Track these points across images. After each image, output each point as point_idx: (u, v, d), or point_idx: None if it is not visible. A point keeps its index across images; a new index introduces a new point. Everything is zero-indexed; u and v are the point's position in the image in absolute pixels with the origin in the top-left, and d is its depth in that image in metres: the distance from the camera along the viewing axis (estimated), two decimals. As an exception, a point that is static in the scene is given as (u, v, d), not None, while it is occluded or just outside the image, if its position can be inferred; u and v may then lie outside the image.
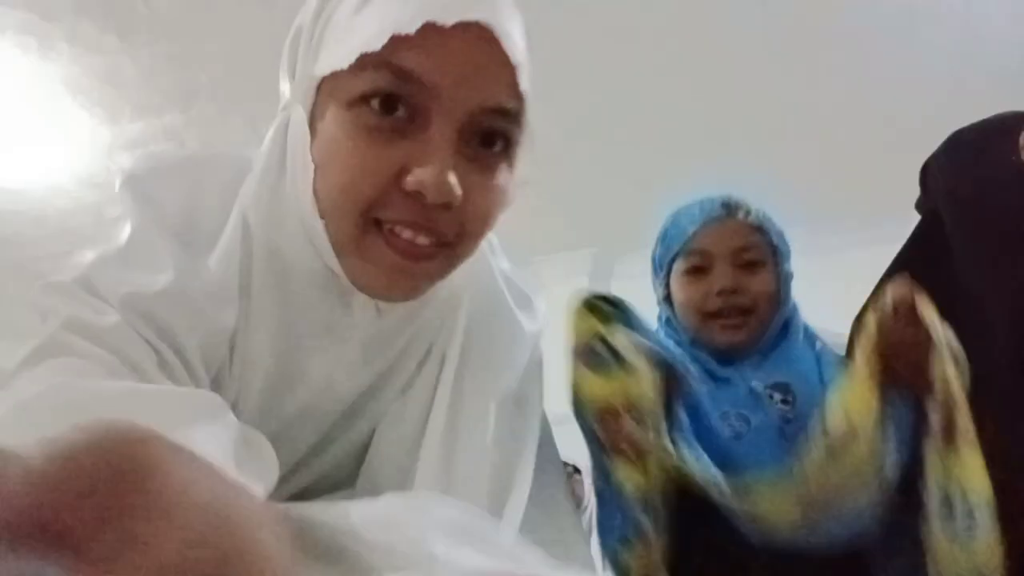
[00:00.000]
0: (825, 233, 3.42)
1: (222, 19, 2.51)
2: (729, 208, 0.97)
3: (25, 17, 2.44)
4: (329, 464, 0.62)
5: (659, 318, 1.04)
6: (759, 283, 0.95)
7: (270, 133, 0.61)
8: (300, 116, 0.56)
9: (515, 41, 0.53)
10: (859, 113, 2.92)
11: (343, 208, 0.51)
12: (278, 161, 0.57)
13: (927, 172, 0.96)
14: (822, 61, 2.68)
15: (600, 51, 2.65)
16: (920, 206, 1.00)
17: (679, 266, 0.98)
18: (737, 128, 3.00)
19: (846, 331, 1.05)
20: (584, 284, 3.74)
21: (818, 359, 0.95)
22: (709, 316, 0.95)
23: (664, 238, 1.02)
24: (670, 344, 0.99)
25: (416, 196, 0.50)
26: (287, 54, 0.61)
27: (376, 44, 0.48)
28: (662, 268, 1.01)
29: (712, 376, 0.95)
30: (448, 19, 0.48)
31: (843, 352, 1.07)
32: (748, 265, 0.95)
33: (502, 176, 0.56)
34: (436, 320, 0.62)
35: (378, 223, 0.52)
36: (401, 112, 0.50)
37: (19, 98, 2.75)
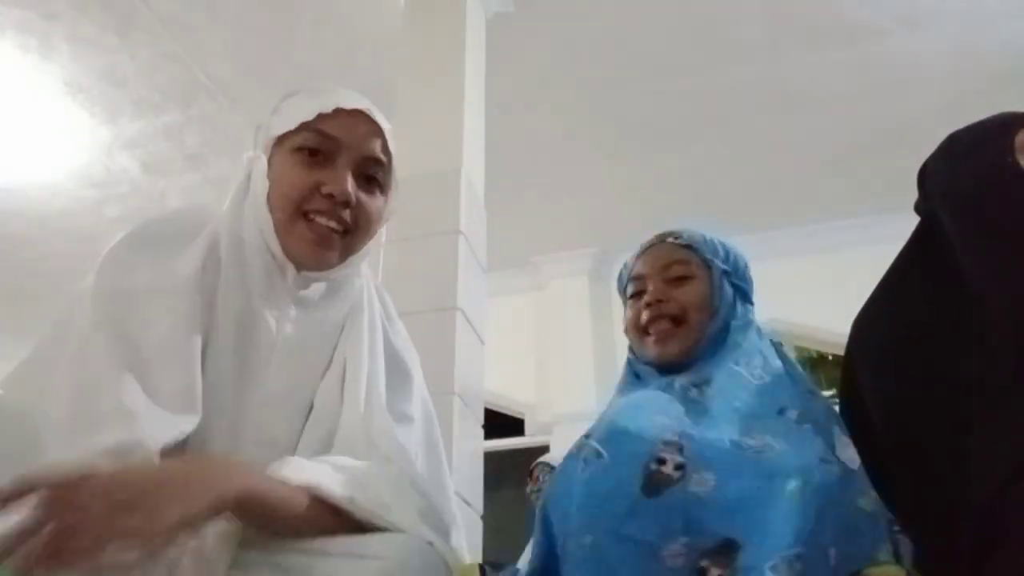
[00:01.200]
0: (825, 233, 3.43)
1: (221, 19, 2.51)
2: (662, 236, 1.08)
3: (25, 17, 2.44)
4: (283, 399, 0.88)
5: (628, 347, 1.13)
6: (686, 293, 1.03)
7: (241, 171, 0.91)
8: (262, 158, 0.90)
9: (383, 123, 0.93)
10: (859, 112, 2.92)
11: (284, 206, 0.86)
12: (243, 187, 0.90)
13: (925, 173, 0.96)
14: (822, 60, 2.68)
15: (600, 51, 2.65)
16: (919, 208, 1.00)
17: (627, 293, 1.10)
18: (737, 128, 3.00)
19: (845, 331, 1.05)
20: (584, 284, 3.75)
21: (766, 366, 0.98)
22: (643, 331, 1.04)
23: (619, 276, 1.14)
24: None
25: (328, 197, 0.86)
26: (254, 134, 0.94)
27: (310, 117, 0.88)
28: (623, 302, 1.12)
29: (648, 383, 1.04)
30: (349, 106, 0.89)
31: (841, 352, 1.07)
32: (676, 279, 1.04)
33: (378, 199, 0.92)
34: (346, 305, 0.94)
35: (305, 215, 0.86)
36: (320, 156, 0.88)
37: (19, 98, 2.76)
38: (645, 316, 1.03)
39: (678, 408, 0.92)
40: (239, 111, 2.89)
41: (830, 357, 3.37)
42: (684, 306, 1.02)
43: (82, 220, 3.47)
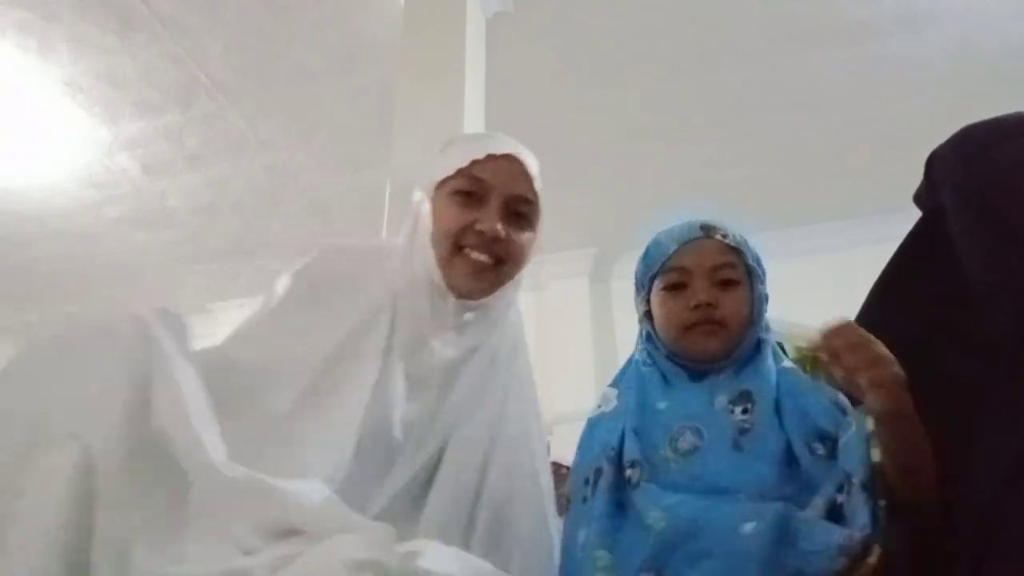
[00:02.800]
0: (825, 233, 3.43)
1: (221, 19, 2.51)
2: (707, 230, 1.03)
3: (25, 17, 2.44)
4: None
5: (639, 334, 1.10)
6: (734, 301, 1.00)
7: (410, 215, 1.04)
8: (426, 202, 1.02)
9: (531, 164, 1.04)
10: (859, 112, 2.92)
11: (444, 242, 0.99)
12: (412, 226, 1.03)
13: (933, 163, 0.96)
14: (822, 60, 2.69)
15: (600, 51, 2.65)
16: (920, 197, 0.99)
17: (659, 283, 1.04)
18: (737, 128, 3.01)
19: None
20: (584, 284, 3.75)
21: (778, 375, 0.99)
22: (686, 329, 1.00)
23: (645, 258, 1.08)
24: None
25: (480, 233, 0.97)
26: (420, 185, 1.06)
27: (464, 163, 1.00)
28: (643, 286, 1.07)
29: (678, 387, 1.01)
30: (499, 151, 1.01)
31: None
32: (724, 283, 1.00)
33: (525, 233, 1.03)
34: (501, 333, 1.06)
35: (461, 249, 0.98)
36: (474, 197, 0.99)
37: (19, 98, 2.76)
38: (691, 318, 0.99)
39: (732, 456, 0.91)
40: (239, 111, 2.89)
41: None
42: (729, 314, 0.99)
43: (82, 220, 3.48)
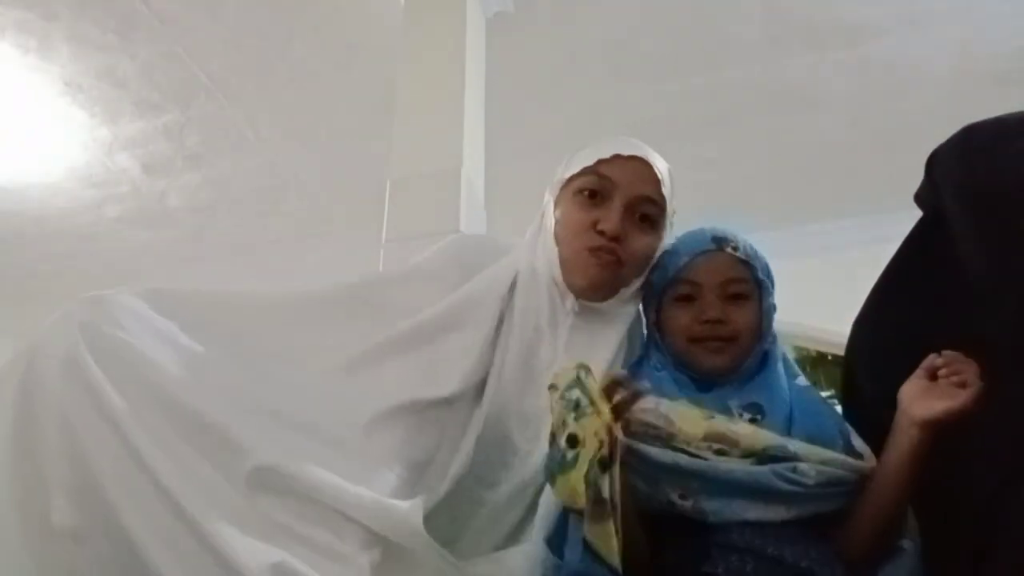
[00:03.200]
0: (825, 233, 3.42)
1: (221, 18, 2.51)
2: (719, 242, 1.03)
3: (25, 17, 2.44)
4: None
5: (647, 338, 1.11)
6: (743, 315, 1.00)
7: (538, 212, 1.09)
8: (551, 201, 1.06)
9: (660, 167, 1.03)
10: (859, 112, 2.92)
11: (566, 240, 1.01)
12: (538, 224, 1.07)
13: (934, 163, 0.95)
14: (822, 60, 2.68)
15: (600, 51, 2.65)
16: (920, 196, 0.99)
17: (670, 293, 1.04)
18: (737, 128, 3.00)
19: (845, 331, 1.05)
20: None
21: (791, 390, 0.99)
22: (694, 341, 1.00)
23: (659, 266, 1.08)
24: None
25: (602, 234, 0.98)
26: (551, 185, 1.08)
27: (590, 162, 1.01)
28: (655, 295, 1.08)
29: (690, 395, 1.00)
30: (627, 152, 1.01)
31: (841, 352, 1.07)
32: (734, 297, 1.01)
33: (649, 235, 1.03)
34: (619, 335, 1.06)
35: (583, 249, 0.99)
36: (598, 197, 1.01)
37: (19, 98, 2.76)
38: (700, 331, 1.00)
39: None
40: (239, 111, 2.89)
41: (830, 357, 3.37)
42: (738, 329, 0.99)
43: (82, 220, 3.47)
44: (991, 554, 0.71)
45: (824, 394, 1.04)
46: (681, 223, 1.10)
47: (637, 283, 1.04)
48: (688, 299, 1.02)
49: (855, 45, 2.61)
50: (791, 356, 1.07)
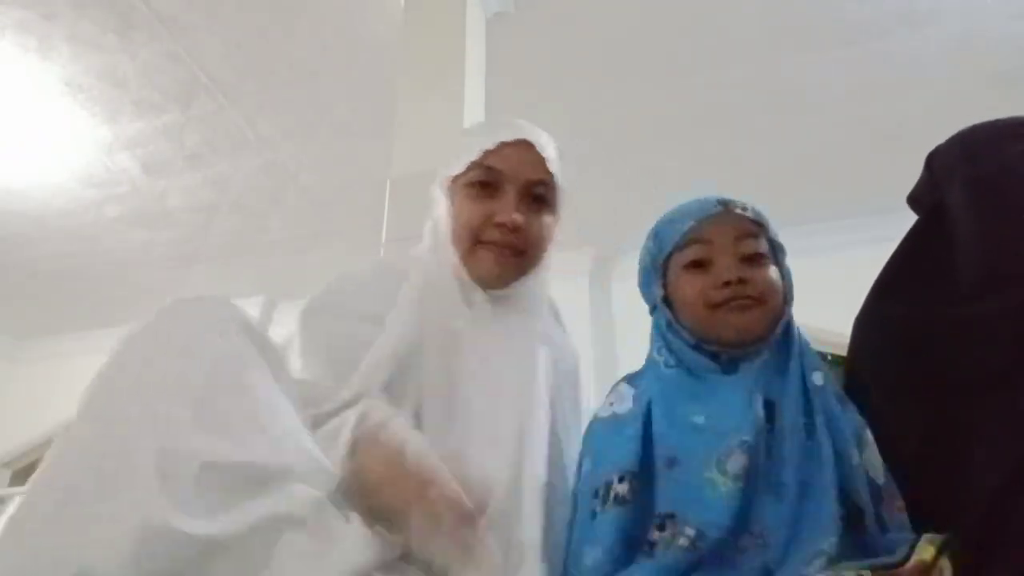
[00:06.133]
0: (825, 233, 3.42)
1: (221, 19, 2.51)
2: (725, 203, 0.93)
3: (25, 16, 2.44)
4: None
5: (656, 327, 0.98)
6: (765, 275, 0.89)
7: (430, 215, 1.07)
8: (443, 199, 1.04)
9: (545, 145, 1.03)
10: (859, 112, 2.92)
11: (464, 237, 0.99)
12: (433, 227, 1.05)
13: (936, 160, 0.95)
14: (822, 60, 2.68)
15: (600, 51, 2.65)
16: (917, 197, 0.99)
17: (678, 261, 0.92)
18: (737, 128, 3.00)
19: (845, 331, 1.05)
20: (584, 284, 3.74)
21: (805, 385, 0.87)
22: (714, 307, 0.88)
23: (657, 236, 0.97)
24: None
25: (499, 225, 0.98)
26: (436, 182, 1.07)
27: (477, 157, 1.00)
28: (656, 269, 0.96)
29: (712, 385, 0.89)
30: (510, 139, 1.01)
31: (843, 352, 1.06)
32: (752, 257, 0.90)
33: (546, 218, 1.03)
34: (537, 318, 1.05)
35: (482, 243, 0.99)
36: (490, 188, 1.00)
37: (19, 97, 2.76)
38: (720, 295, 0.87)
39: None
40: (239, 111, 2.89)
41: (829, 357, 3.37)
42: (764, 290, 0.88)
43: (82, 220, 3.47)
44: (993, 554, 0.71)
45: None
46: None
47: (544, 263, 1.05)
48: (700, 266, 0.91)
49: (854, 44, 2.61)
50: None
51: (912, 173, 1.02)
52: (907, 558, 0.67)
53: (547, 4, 2.47)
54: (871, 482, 0.81)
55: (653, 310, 0.98)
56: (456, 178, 1.02)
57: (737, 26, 2.55)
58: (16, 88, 2.71)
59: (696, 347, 0.90)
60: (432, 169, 1.91)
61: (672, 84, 2.79)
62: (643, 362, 0.99)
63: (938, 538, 0.69)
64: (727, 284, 0.87)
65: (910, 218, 0.99)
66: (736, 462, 0.80)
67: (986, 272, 0.83)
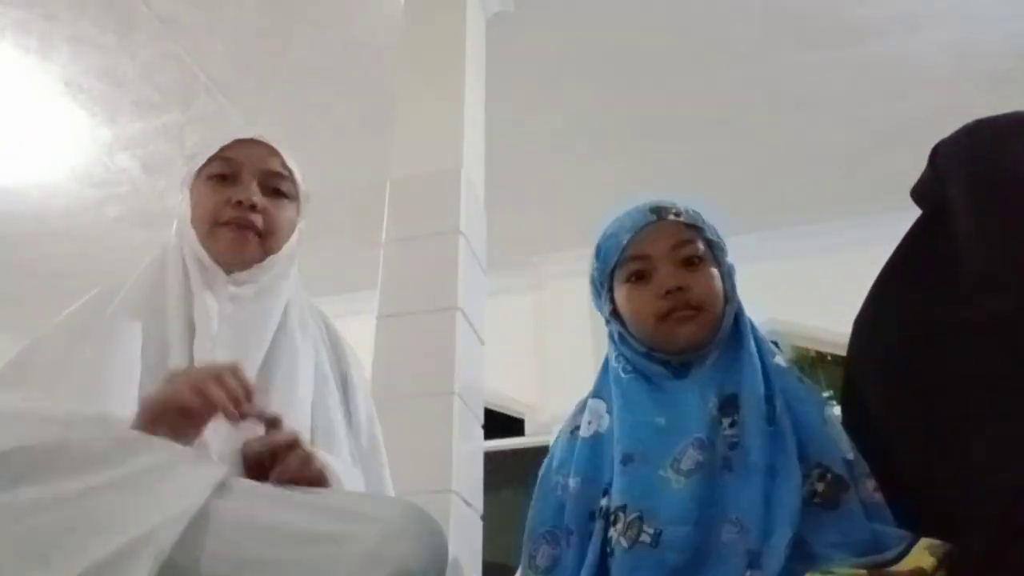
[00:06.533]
0: (825, 233, 3.42)
1: (221, 19, 2.51)
2: (658, 211, 0.97)
3: (25, 17, 2.44)
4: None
5: (610, 336, 1.02)
6: (703, 280, 0.93)
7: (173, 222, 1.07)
8: (186, 192, 1.07)
9: (278, 146, 1.07)
10: (859, 112, 2.92)
11: (204, 219, 1.01)
12: (176, 223, 1.05)
13: (940, 153, 0.95)
14: (822, 60, 2.68)
15: (600, 51, 2.65)
16: (921, 190, 0.98)
17: (620, 276, 0.97)
18: (737, 128, 3.00)
19: (845, 331, 1.05)
20: (584, 284, 3.74)
21: (766, 370, 0.90)
22: (660, 319, 0.92)
23: (599, 253, 1.02)
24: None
25: (237, 204, 1.00)
26: (183, 183, 1.09)
27: (214, 151, 1.04)
28: (603, 284, 1.00)
29: (666, 390, 0.92)
30: (245, 136, 1.06)
31: (841, 352, 1.06)
32: (689, 262, 0.94)
33: (287, 207, 1.06)
34: (280, 301, 1.02)
35: (221, 224, 0.99)
36: (229, 178, 1.03)
37: (19, 97, 2.76)
38: (664, 306, 0.91)
39: (725, 478, 0.83)
40: (239, 111, 2.89)
41: (829, 357, 3.37)
42: (704, 294, 0.91)
43: (82, 220, 3.47)
44: (996, 553, 0.71)
45: (824, 394, 1.00)
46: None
47: (287, 251, 1.03)
48: (641, 277, 0.95)
49: (854, 45, 2.61)
50: (791, 356, 1.05)
51: (912, 173, 1.01)
52: (899, 557, 0.68)
53: (547, 4, 2.47)
54: (842, 457, 0.84)
55: (607, 322, 1.02)
56: (199, 172, 1.05)
57: (737, 26, 2.55)
58: (16, 88, 2.71)
59: (647, 355, 0.94)
60: (433, 170, 1.92)
61: (672, 84, 2.79)
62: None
63: (939, 547, 0.69)
64: (668, 293, 0.91)
65: (910, 218, 0.99)
66: (689, 459, 0.83)
67: (988, 273, 0.83)
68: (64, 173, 3.17)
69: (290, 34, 2.57)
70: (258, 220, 1.00)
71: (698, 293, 0.91)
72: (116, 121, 2.90)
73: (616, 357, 0.99)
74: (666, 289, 0.91)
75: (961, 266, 0.85)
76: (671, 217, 0.96)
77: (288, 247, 1.04)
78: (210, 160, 1.04)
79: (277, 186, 1.04)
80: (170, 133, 2.99)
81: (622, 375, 0.96)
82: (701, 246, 0.95)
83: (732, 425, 0.86)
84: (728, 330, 0.93)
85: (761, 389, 0.88)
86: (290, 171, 1.07)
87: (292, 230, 1.05)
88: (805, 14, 2.50)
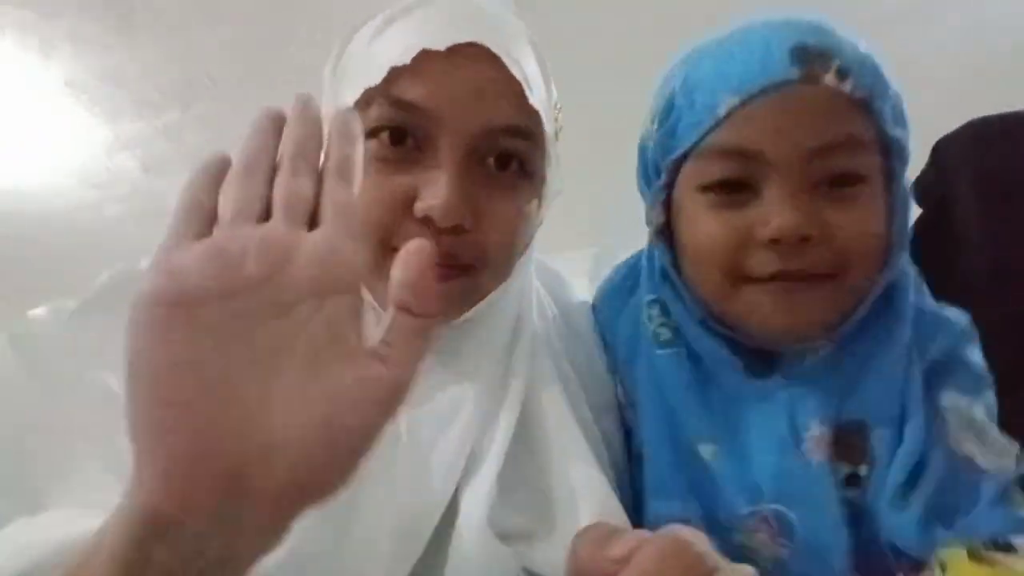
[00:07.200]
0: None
1: (222, 17, 2.51)
2: (809, 63, 0.51)
3: (26, 16, 2.44)
4: None
5: (647, 259, 0.60)
6: (855, 221, 0.50)
7: None
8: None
9: (517, 57, 0.52)
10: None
11: (370, 236, 0.50)
12: None
13: (942, 149, 0.95)
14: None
15: (600, 51, 2.65)
16: (922, 185, 0.98)
17: (697, 172, 0.54)
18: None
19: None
20: (584, 284, 3.74)
21: (907, 379, 0.51)
22: (749, 282, 0.51)
23: (670, 111, 0.56)
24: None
25: (426, 222, 0.49)
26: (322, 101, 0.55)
27: (376, 79, 0.50)
28: (660, 173, 0.57)
29: (731, 396, 0.53)
30: (441, 44, 0.48)
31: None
32: (838, 182, 0.50)
33: (521, 197, 0.55)
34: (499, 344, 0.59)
35: (395, 249, 0.42)
36: (410, 142, 0.51)
37: (19, 97, 2.76)
38: (765, 268, 0.50)
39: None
40: (239, 111, 2.89)
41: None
42: (845, 250, 0.49)
43: (82, 219, 3.47)
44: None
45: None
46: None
47: (507, 283, 0.58)
48: (737, 188, 0.52)
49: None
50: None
51: (913, 172, 1.01)
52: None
53: (547, 4, 2.46)
54: None
55: (653, 235, 0.59)
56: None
57: (736, 22, 2.55)
58: (16, 88, 2.71)
59: (706, 326, 0.54)
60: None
61: (672, 84, 2.79)
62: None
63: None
64: (778, 240, 0.49)
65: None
66: (767, 548, 0.47)
67: (992, 273, 0.83)
68: (64, 173, 3.17)
69: (290, 34, 2.57)
70: (463, 249, 0.53)
71: (836, 247, 0.49)
72: (116, 121, 2.90)
73: (650, 308, 0.59)
74: (775, 232, 0.49)
75: (964, 266, 0.86)
76: (827, 79, 0.52)
77: (522, 265, 0.62)
78: (371, 95, 0.52)
79: (508, 150, 0.54)
80: (170, 133, 2.99)
81: (656, 349, 0.57)
82: (868, 151, 0.51)
83: (854, 478, 0.50)
84: (871, 305, 0.52)
85: (920, 418, 0.50)
86: (533, 114, 0.57)
87: (523, 236, 0.60)
88: (806, 11, 2.49)
